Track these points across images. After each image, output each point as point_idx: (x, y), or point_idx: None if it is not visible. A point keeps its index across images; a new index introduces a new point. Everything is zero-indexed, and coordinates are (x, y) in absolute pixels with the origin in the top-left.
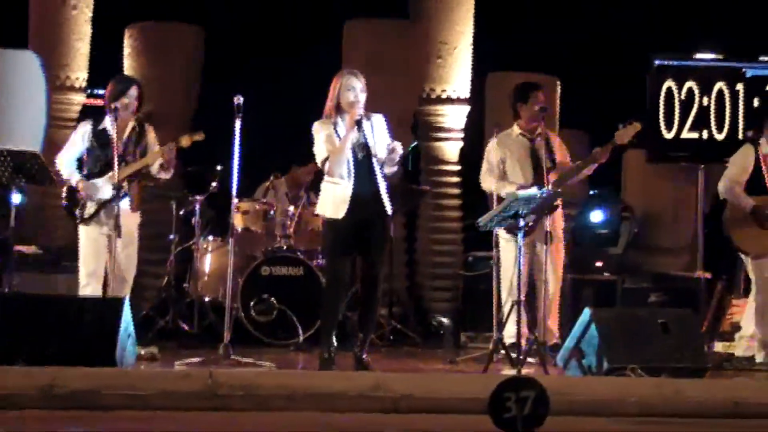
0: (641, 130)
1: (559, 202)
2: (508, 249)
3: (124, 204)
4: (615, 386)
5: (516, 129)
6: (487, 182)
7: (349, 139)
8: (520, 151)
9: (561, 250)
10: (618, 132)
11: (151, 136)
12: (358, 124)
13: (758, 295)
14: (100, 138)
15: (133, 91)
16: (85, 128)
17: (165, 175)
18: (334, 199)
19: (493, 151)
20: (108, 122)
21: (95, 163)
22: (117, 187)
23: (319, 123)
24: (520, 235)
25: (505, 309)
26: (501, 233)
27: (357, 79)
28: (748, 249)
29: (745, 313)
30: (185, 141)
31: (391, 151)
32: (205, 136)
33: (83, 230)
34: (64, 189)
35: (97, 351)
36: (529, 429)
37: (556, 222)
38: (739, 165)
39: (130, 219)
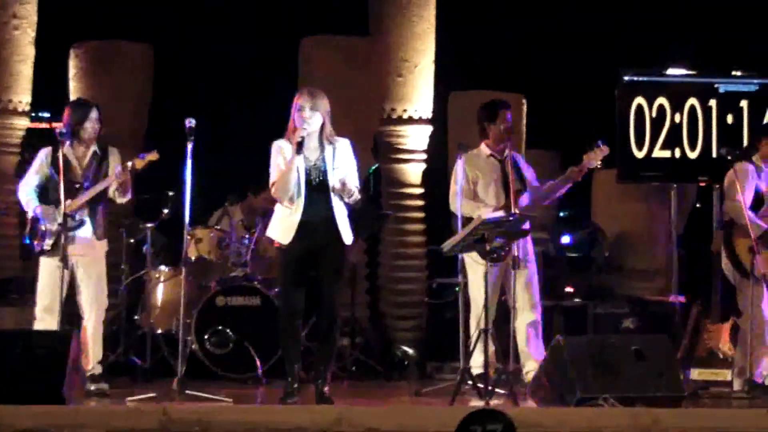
0: (609, 150)
1: (528, 226)
2: (476, 274)
3: (88, 233)
4: (588, 417)
5: (484, 149)
6: (462, 205)
7: (294, 164)
8: (491, 172)
9: (535, 275)
10: (586, 155)
11: (114, 159)
12: (299, 146)
13: (749, 320)
14: (58, 164)
15: (94, 115)
16: (44, 155)
17: (121, 199)
18: (282, 223)
19: (462, 171)
20: (68, 148)
21: (53, 191)
22: (67, 216)
23: (276, 143)
24: (488, 260)
25: (474, 338)
26: (470, 259)
27: (307, 98)
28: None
29: None
30: (139, 162)
31: (342, 185)
32: (156, 160)
33: (42, 262)
34: (29, 220)
35: (44, 387)
36: None
37: (528, 246)
38: (742, 182)
39: (95, 248)
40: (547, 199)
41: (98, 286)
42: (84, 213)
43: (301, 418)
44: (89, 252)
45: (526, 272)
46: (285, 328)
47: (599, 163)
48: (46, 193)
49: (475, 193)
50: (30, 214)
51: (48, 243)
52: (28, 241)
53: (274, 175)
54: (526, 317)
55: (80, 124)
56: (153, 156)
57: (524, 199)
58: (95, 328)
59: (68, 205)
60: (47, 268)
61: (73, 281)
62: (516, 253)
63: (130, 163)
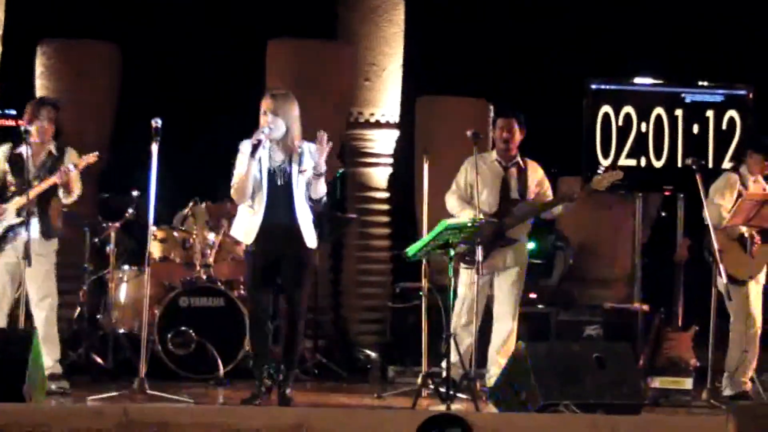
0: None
1: (516, 235)
2: (466, 278)
3: (35, 232)
4: (548, 423)
5: (493, 154)
6: (451, 203)
7: (251, 168)
8: (491, 177)
9: (519, 283)
10: (597, 177)
11: (70, 159)
12: (254, 148)
13: (735, 323)
14: (13, 162)
15: (45, 114)
16: (1, 152)
17: (67, 200)
18: (245, 223)
19: (463, 173)
20: (24, 146)
21: (6, 188)
22: (19, 213)
23: (243, 144)
24: (451, 265)
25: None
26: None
27: (271, 103)
28: (735, 274)
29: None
30: (80, 163)
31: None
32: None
33: None
34: None
35: (4, 386)
36: None
37: (518, 255)
38: (723, 190)
39: (42, 246)
40: (543, 214)
41: (45, 283)
42: (32, 212)
43: (262, 420)
44: (36, 249)
45: (510, 281)
46: (254, 330)
47: (608, 187)
48: (3, 190)
49: (471, 195)
50: None
51: None
52: None
53: (235, 176)
54: (502, 325)
55: (31, 123)
56: (92, 158)
57: (518, 210)
58: (46, 326)
59: (16, 203)
60: None
61: (23, 279)
62: (502, 262)
63: (71, 164)
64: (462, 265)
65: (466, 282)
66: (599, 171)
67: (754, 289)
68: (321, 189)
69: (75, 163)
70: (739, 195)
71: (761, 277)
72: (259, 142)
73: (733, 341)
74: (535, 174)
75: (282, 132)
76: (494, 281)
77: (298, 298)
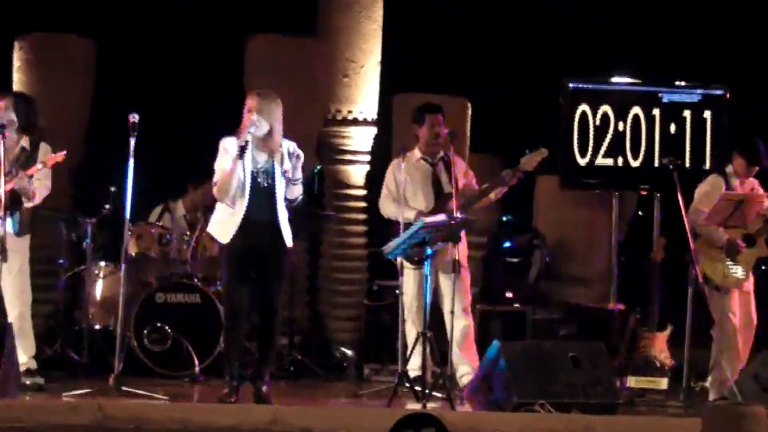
0: (552, 157)
1: (462, 232)
2: (409, 278)
3: (8, 228)
4: (523, 422)
5: (416, 153)
6: (387, 208)
7: (237, 168)
8: (420, 176)
9: (467, 279)
10: (524, 158)
11: (43, 154)
12: (242, 150)
13: (715, 329)
14: None
15: (1, 104)
16: None
17: (27, 204)
18: (224, 221)
19: (391, 175)
20: None
21: None
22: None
23: (226, 141)
24: (427, 263)
25: (410, 341)
26: (402, 262)
27: (257, 102)
28: (720, 281)
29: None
30: (47, 163)
31: (296, 157)
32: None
33: None
34: None
35: None
36: None
37: (462, 250)
38: (708, 196)
39: (15, 242)
40: (478, 203)
41: (18, 279)
42: (5, 208)
43: (237, 417)
44: (9, 246)
45: (458, 276)
46: (228, 327)
47: (537, 166)
48: None
49: (404, 196)
50: None
51: None
52: None
53: (217, 174)
54: (458, 322)
55: None
56: (59, 157)
57: (455, 203)
58: (20, 322)
59: None
60: None
61: None
62: (456, 257)
63: (36, 167)
64: (407, 264)
65: (413, 282)
66: (526, 151)
67: (739, 297)
68: (297, 191)
69: (43, 162)
70: None
71: (748, 283)
72: (247, 143)
73: (715, 346)
74: (459, 165)
75: (265, 131)
76: (439, 280)
77: (276, 295)
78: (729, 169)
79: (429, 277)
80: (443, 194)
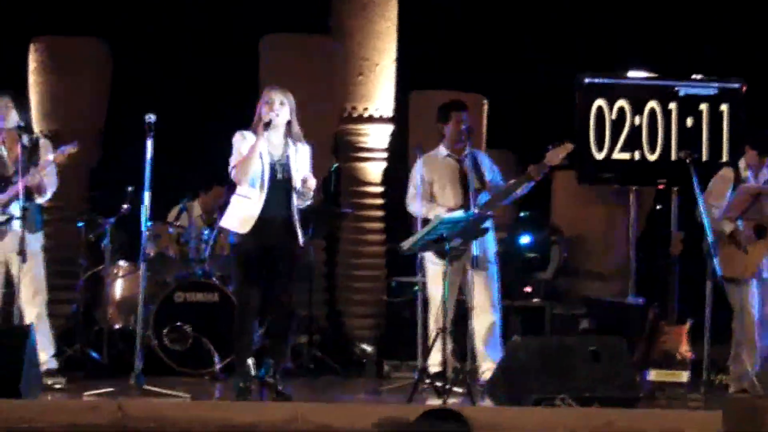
0: (573, 151)
1: (489, 225)
2: (434, 273)
3: (19, 227)
4: (543, 417)
5: (442, 150)
6: (415, 205)
7: (258, 147)
8: (447, 172)
9: (495, 274)
10: (549, 152)
11: (45, 150)
12: (267, 125)
13: (735, 321)
14: None
15: (0, 104)
16: None
17: (39, 200)
18: (241, 213)
19: (419, 173)
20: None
21: None
22: (3, 211)
23: (241, 132)
24: (447, 259)
25: (432, 337)
26: (428, 258)
27: (276, 93)
28: (730, 273)
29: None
30: (59, 156)
31: (304, 182)
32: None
33: None
34: None
35: (0, 381)
36: None
37: (488, 245)
38: (717, 188)
39: (29, 241)
40: (507, 199)
41: (35, 280)
42: (15, 207)
43: (257, 414)
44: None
45: (485, 273)
46: (239, 324)
47: (562, 160)
48: None
49: (431, 193)
50: None
51: None
52: None
53: (235, 160)
54: (485, 318)
55: None
56: (73, 149)
57: (482, 199)
58: (38, 322)
59: None
60: None
61: (10, 278)
62: (475, 253)
63: (51, 156)
64: (436, 260)
65: (438, 278)
66: (549, 147)
67: (758, 288)
68: (308, 195)
69: (53, 157)
70: (735, 188)
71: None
72: (270, 121)
73: (735, 339)
74: (485, 161)
75: (285, 120)
76: (468, 277)
77: (286, 294)
78: (742, 162)
79: (449, 273)
80: (471, 190)
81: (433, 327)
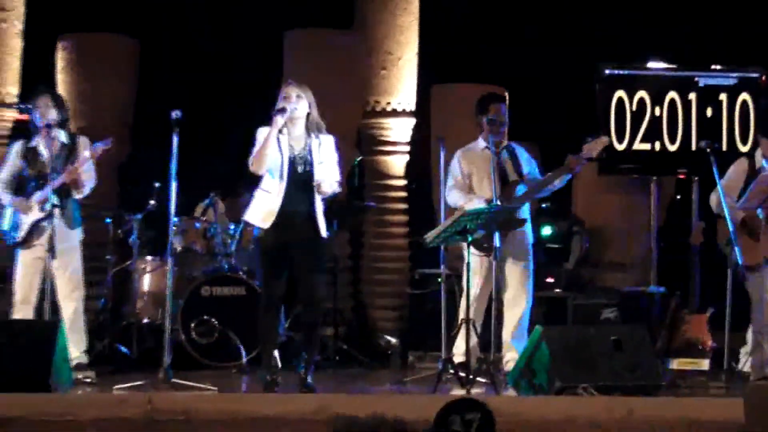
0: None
1: (525, 216)
2: (473, 264)
3: (58, 223)
4: (565, 406)
5: (481, 142)
6: (454, 197)
7: (273, 136)
8: (485, 164)
9: (530, 267)
10: (586, 145)
11: (83, 147)
12: (281, 111)
13: (754, 310)
14: (29, 157)
15: (41, 102)
16: (16, 148)
17: (78, 195)
18: (263, 207)
19: (458, 165)
20: (36, 140)
21: (27, 183)
22: (41, 208)
23: (262, 129)
24: (468, 252)
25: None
26: (471, 250)
27: (293, 88)
28: (745, 261)
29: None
30: (94, 154)
31: (318, 186)
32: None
33: (18, 254)
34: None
35: (31, 376)
36: None
37: (526, 237)
38: (731, 178)
39: (68, 237)
40: (545, 191)
41: (74, 275)
42: (53, 203)
43: (284, 406)
44: (62, 242)
45: (522, 264)
46: (263, 317)
47: (600, 153)
48: (21, 186)
49: (470, 185)
50: (6, 206)
51: (20, 235)
52: (5, 233)
53: (255, 147)
54: (517, 310)
55: (32, 113)
56: (106, 146)
57: (519, 191)
58: (74, 318)
59: (38, 197)
60: (23, 260)
61: (49, 272)
62: (497, 244)
63: (87, 152)
64: (474, 251)
65: (478, 269)
66: (588, 139)
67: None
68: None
69: (89, 153)
70: (749, 179)
71: None
72: (284, 109)
73: (753, 328)
74: (523, 154)
75: (304, 113)
76: (505, 267)
77: (316, 285)
78: (758, 153)
79: (471, 265)
80: (509, 182)
81: (462, 316)
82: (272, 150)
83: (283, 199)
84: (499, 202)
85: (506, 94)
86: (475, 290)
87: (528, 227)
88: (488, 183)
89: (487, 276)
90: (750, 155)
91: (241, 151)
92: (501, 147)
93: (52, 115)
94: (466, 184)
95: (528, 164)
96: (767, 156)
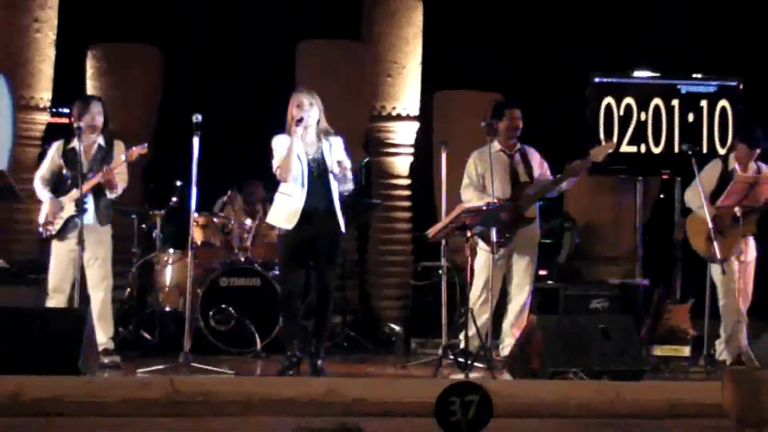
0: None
1: (533, 214)
2: (481, 259)
3: (91, 219)
4: (557, 389)
5: (496, 145)
6: (468, 194)
7: (295, 145)
8: (498, 166)
9: (534, 261)
10: (593, 149)
11: (118, 151)
12: (299, 122)
13: (722, 301)
14: (68, 157)
15: (94, 109)
16: (56, 148)
17: (111, 195)
18: (286, 209)
19: (473, 165)
20: (75, 141)
21: (64, 181)
22: (78, 204)
23: (277, 136)
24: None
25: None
26: (481, 245)
27: (304, 95)
28: (707, 253)
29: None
30: (130, 157)
31: (339, 164)
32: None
33: (53, 246)
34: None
35: (61, 360)
36: None
37: (531, 235)
38: (704, 178)
39: (99, 232)
40: (553, 192)
41: (103, 267)
42: (88, 201)
43: (296, 389)
44: (93, 236)
45: (527, 259)
46: (284, 308)
47: (605, 158)
48: (58, 183)
49: (483, 186)
50: (43, 201)
51: (55, 228)
52: (40, 228)
53: (277, 161)
54: (518, 300)
55: (81, 118)
56: (142, 150)
57: (529, 192)
58: (102, 306)
59: (72, 195)
60: (57, 252)
61: (80, 264)
62: (493, 239)
63: (124, 156)
64: (482, 245)
65: (484, 262)
66: (595, 144)
67: (736, 267)
68: (347, 177)
69: (126, 156)
70: (722, 180)
71: (750, 254)
72: (302, 119)
73: (725, 321)
74: (535, 157)
75: (316, 120)
76: (512, 261)
77: (330, 277)
78: (732, 155)
79: (492, 259)
80: (519, 183)
81: (474, 305)
82: (295, 159)
83: (305, 200)
84: (494, 200)
85: (503, 100)
86: (480, 282)
87: (535, 223)
88: (499, 183)
89: (497, 270)
90: (724, 158)
91: (257, 151)
92: (514, 150)
93: (99, 120)
94: (480, 184)
95: (540, 167)
96: (740, 159)
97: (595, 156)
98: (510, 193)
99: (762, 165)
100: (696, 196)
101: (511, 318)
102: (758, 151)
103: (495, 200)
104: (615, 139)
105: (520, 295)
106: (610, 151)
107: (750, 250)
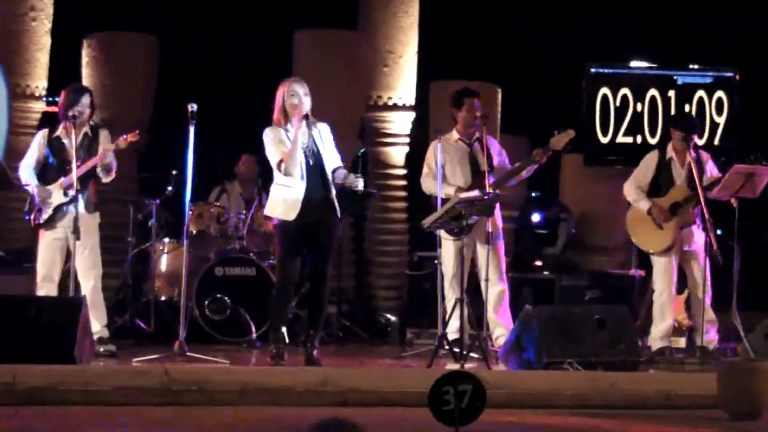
0: (576, 136)
1: (497, 206)
2: (447, 249)
3: (80, 207)
4: (552, 379)
5: (455, 134)
6: (428, 184)
7: (300, 138)
8: (458, 155)
9: (501, 248)
10: (553, 138)
11: (103, 139)
12: (306, 118)
13: (657, 290)
14: (54, 145)
15: (85, 100)
16: (42, 136)
17: (106, 178)
18: (285, 201)
19: (432, 155)
20: (61, 130)
21: (50, 169)
22: (65, 193)
23: (269, 129)
24: (464, 235)
25: (449, 306)
26: (443, 234)
27: (299, 86)
28: (647, 247)
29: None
30: (122, 142)
31: (343, 178)
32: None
33: (41, 235)
34: (28, 197)
35: (56, 349)
36: (466, 421)
37: (496, 222)
38: (641, 169)
39: (87, 220)
40: (513, 180)
41: (92, 255)
42: (77, 189)
43: (291, 378)
44: (82, 224)
45: (495, 246)
46: (278, 296)
47: (565, 146)
48: (43, 172)
49: (444, 174)
50: (31, 191)
51: (44, 217)
52: (27, 216)
53: (276, 156)
54: (495, 288)
55: (71, 108)
56: (133, 136)
57: (489, 180)
58: (93, 294)
59: (59, 184)
60: (45, 240)
61: (69, 252)
62: (488, 230)
63: (112, 145)
64: (446, 236)
65: (451, 253)
66: (554, 132)
67: (684, 258)
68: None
69: (117, 143)
70: (660, 169)
71: (695, 244)
72: (307, 114)
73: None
74: (494, 145)
75: (309, 109)
76: (476, 250)
77: (325, 265)
78: (669, 145)
79: (464, 248)
80: (480, 172)
81: (450, 297)
82: (300, 152)
83: (304, 190)
84: (491, 191)
85: (499, 90)
86: (448, 272)
87: (497, 212)
88: (459, 171)
89: (463, 258)
90: (661, 148)
91: (252, 140)
92: (473, 139)
93: (88, 111)
94: (439, 173)
95: (498, 155)
96: (677, 147)
97: (556, 144)
98: (471, 181)
99: (702, 152)
100: (632, 189)
101: (491, 307)
102: (695, 137)
103: (456, 189)
104: (611, 129)
105: (495, 284)
106: (570, 138)
107: (695, 240)
